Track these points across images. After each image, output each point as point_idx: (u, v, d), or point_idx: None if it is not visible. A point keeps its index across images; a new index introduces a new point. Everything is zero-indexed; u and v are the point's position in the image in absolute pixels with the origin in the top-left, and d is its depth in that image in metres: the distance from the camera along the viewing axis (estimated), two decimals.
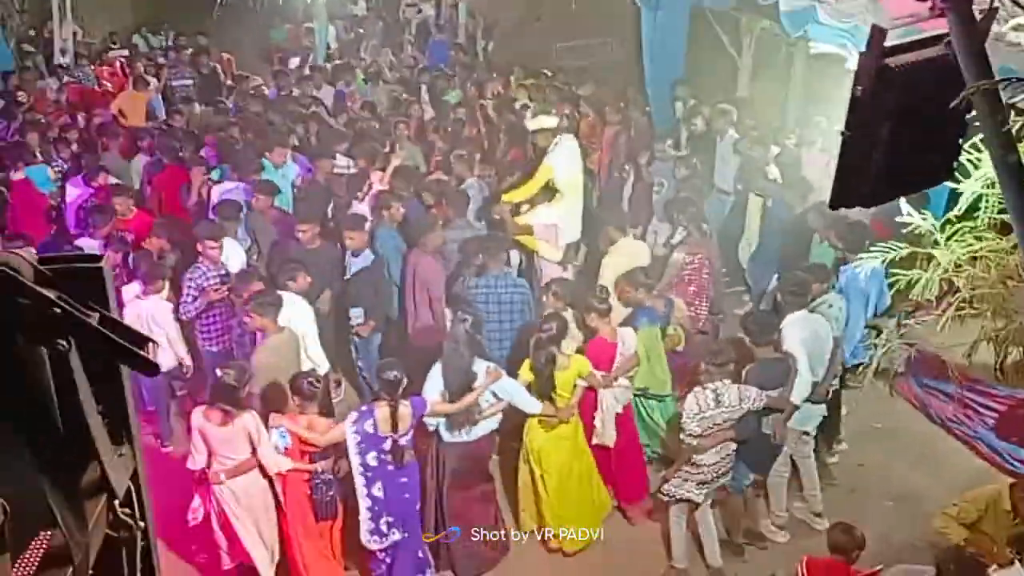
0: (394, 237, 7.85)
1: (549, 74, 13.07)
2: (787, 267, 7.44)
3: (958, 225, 2.70)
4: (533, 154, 9.09)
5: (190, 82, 13.73)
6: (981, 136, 2.27)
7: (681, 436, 5.94)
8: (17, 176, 9.26)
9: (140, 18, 18.33)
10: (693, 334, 7.35)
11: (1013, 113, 2.53)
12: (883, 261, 2.78)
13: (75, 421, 1.43)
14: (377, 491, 5.71)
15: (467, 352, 6.02)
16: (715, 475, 6.01)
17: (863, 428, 7.46)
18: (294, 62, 15.40)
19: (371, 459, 5.65)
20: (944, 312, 2.79)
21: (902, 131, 2.13)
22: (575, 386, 6.30)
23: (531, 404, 6.21)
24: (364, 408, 5.79)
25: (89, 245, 7.56)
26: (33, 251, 1.42)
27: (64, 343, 1.35)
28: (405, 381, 5.73)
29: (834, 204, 2.28)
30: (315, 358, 6.83)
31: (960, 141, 2.30)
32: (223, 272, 7.33)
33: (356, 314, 7.43)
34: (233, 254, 7.67)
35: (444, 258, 7.64)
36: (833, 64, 7.92)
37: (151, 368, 1.43)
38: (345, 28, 19.84)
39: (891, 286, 2.84)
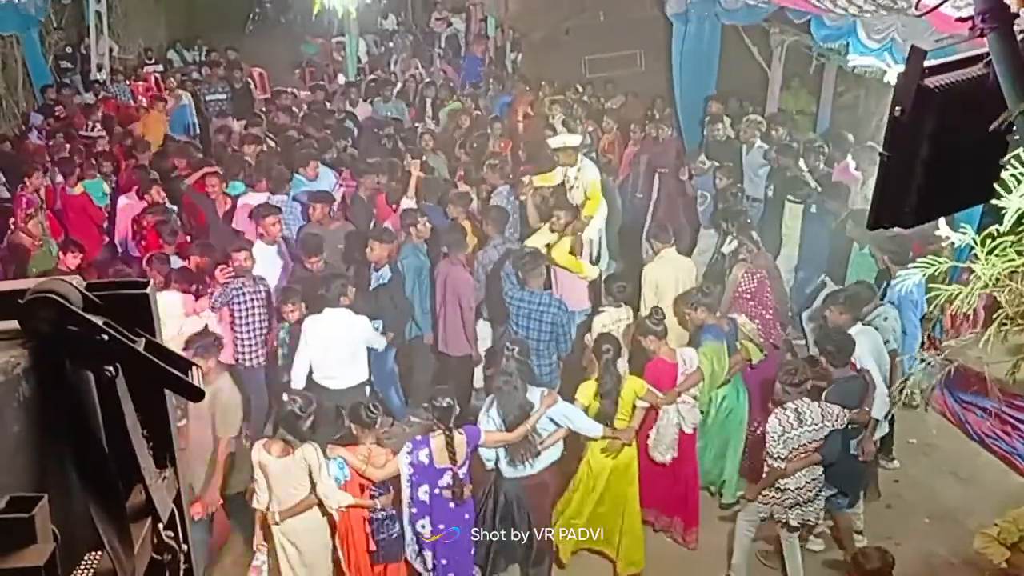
0: (419, 254, 7.85)
1: (580, 89, 13.11)
2: (834, 278, 7.36)
3: (1000, 239, 2.65)
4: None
5: (224, 96, 13.92)
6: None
7: (766, 460, 5.78)
8: (75, 191, 9.33)
9: (174, 34, 18.65)
10: (768, 347, 7.13)
11: None
12: (924, 274, 2.75)
13: (121, 446, 1.46)
14: (423, 527, 5.55)
15: (520, 382, 5.83)
16: (803, 499, 5.83)
17: (898, 443, 7.36)
18: (340, 78, 15.52)
19: (422, 493, 5.49)
20: (986, 328, 2.74)
21: (942, 151, 2.11)
22: (634, 407, 6.09)
23: (594, 428, 5.95)
24: (419, 438, 5.61)
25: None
26: (80, 278, 1.44)
27: (111, 369, 1.37)
28: (458, 409, 5.58)
29: (873, 224, 2.26)
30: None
31: (1000, 161, 2.27)
32: (255, 283, 7.30)
33: (376, 327, 7.38)
34: (271, 264, 7.72)
35: (474, 270, 7.70)
36: (864, 78, 7.87)
37: (196, 393, 1.45)
38: (375, 42, 20.05)
39: (930, 301, 2.82)
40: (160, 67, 15.99)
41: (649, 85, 12.77)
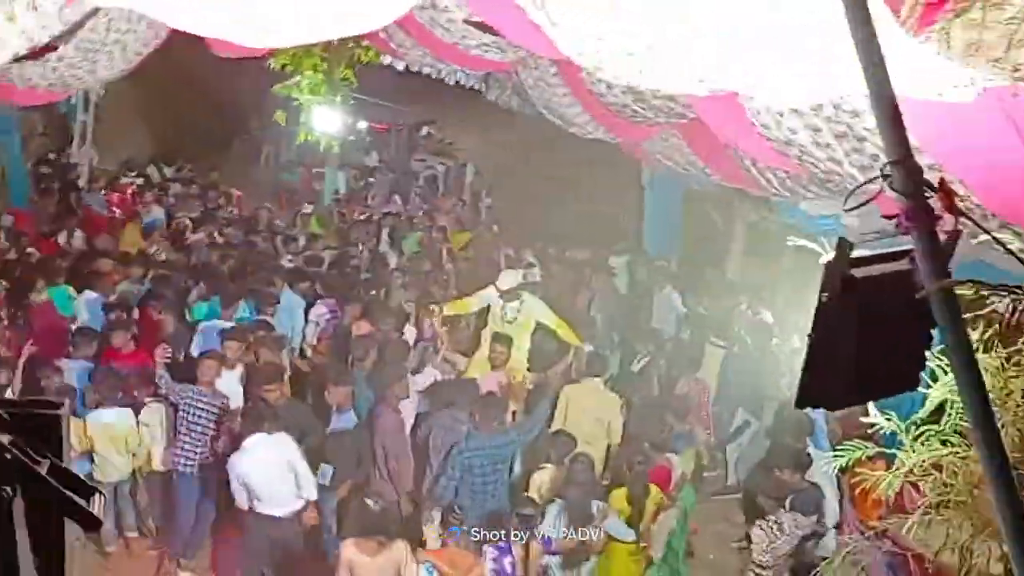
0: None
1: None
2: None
3: (923, 428, 2.72)
4: None
5: (196, 214, 14.04)
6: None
7: (752, 570, 6.30)
8: (40, 297, 8.96)
9: (157, 149, 18.92)
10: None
11: (983, 324, 2.59)
12: (848, 460, 2.78)
13: (9, 568, 1.41)
14: None
15: (586, 495, 6.43)
16: None
17: None
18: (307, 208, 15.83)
19: None
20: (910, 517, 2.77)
21: (868, 339, 2.18)
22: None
23: (627, 532, 6.54)
24: (502, 544, 6.07)
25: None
26: None
27: (8, 490, 1.34)
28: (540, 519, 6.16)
29: (799, 403, 2.31)
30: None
31: (926, 351, 2.35)
32: (215, 398, 7.33)
33: (324, 472, 7.15)
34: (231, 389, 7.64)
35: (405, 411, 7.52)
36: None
37: (94, 523, 1.42)
38: (355, 176, 20.49)
39: (854, 486, 2.85)
40: (139, 180, 16.14)
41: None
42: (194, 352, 8.33)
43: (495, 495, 6.95)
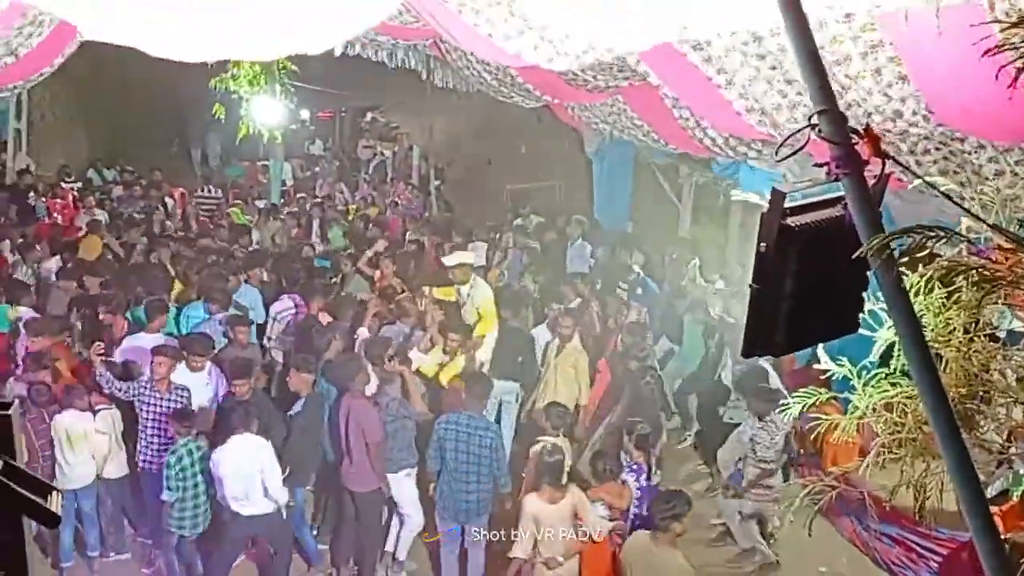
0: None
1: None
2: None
3: (874, 372, 2.81)
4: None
5: (141, 216, 13.83)
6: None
7: (757, 465, 7.18)
8: None
9: (96, 153, 18.54)
10: None
11: (921, 266, 2.66)
12: (803, 407, 2.87)
13: None
14: None
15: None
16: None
17: (810, 572, 7.40)
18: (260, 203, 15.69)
19: (646, 509, 6.42)
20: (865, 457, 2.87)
21: (806, 285, 2.25)
22: None
23: None
24: (636, 465, 6.75)
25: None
26: None
27: None
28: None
29: (746, 352, 2.38)
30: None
31: (863, 294, 2.43)
32: (171, 391, 7.22)
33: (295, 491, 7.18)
34: (200, 390, 7.56)
35: (378, 403, 7.25)
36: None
37: (52, 519, 1.42)
38: (301, 167, 20.29)
39: (811, 430, 2.94)
40: (78, 184, 15.82)
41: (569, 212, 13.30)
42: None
43: None
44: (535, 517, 6.10)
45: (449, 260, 9.34)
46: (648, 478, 6.80)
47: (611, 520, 6.44)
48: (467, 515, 6.87)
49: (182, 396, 7.25)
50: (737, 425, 7.84)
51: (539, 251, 12.02)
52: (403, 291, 9.60)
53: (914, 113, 4.28)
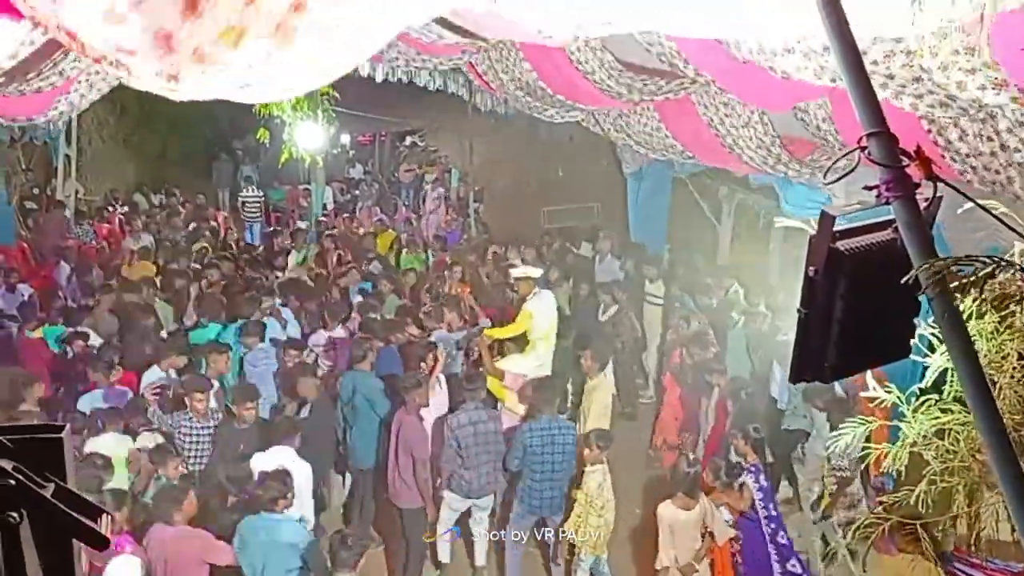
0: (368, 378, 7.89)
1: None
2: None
3: (925, 398, 2.74)
4: (514, 301, 9.65)
5: (184, 240, 14.06)
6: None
7: (833, 474, 7.07)
8: (35, 334, 9.23)
9: (142, 177, 18.92)
10: None
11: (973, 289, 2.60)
12: (854, 435, 2.81)
13: None
14: (783, 539, 6.70)
15: None
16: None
17: None
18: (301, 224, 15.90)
19: (773, 508, 6.78)
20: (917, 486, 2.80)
21: (856, 310, 2.20)
22: None
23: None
24: (755, 466, 6.92)
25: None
26: None
27: (15, 516, 1.35)
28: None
29: (795, 378, 2.33)
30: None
31: (915, 319, 2.37)
32: (207, 420, 7.35)
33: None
34: None
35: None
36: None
37: (102, 542, 1.43)
38: (341, 190, 20.49)
39: (862, 459, 2.86)
40: (125, 209, 16.15)
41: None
42: None
43: None
44: (670, 525, 6.43)
45: (516, 272, 9.58)
46: (767, 478, 7.00)
47: (731, 525, 6.74)
48: (550, 508, 7.26)
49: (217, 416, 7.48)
50: (795, 432, 8.17)
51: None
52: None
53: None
